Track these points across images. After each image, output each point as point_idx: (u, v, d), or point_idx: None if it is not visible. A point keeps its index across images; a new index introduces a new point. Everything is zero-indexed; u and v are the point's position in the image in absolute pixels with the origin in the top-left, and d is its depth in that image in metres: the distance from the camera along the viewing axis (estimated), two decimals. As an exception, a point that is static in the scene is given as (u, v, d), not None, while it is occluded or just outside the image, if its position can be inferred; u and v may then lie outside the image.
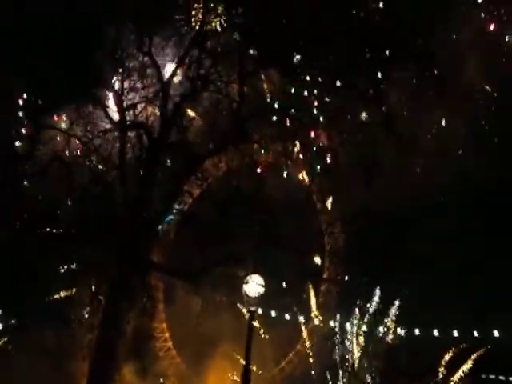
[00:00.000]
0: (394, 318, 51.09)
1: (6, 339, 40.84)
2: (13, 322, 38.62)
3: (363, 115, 35.21)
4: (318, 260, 40.17)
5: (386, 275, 49.14)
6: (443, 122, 36.69)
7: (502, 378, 56.34)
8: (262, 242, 36.49)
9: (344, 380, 51.48)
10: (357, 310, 51.80)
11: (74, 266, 33.76)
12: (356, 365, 51.30)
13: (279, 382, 53.63)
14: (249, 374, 31.91)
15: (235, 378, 46.45)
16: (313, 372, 52.09)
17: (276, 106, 35.43)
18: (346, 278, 49.63)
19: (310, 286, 49.36)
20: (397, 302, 51.69)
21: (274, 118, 35.45)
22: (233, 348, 46.60)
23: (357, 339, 51.20)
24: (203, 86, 34.62)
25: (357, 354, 51.36)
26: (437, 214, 48.22)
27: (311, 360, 52.25)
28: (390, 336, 51.72)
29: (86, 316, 36.35)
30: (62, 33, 33.24)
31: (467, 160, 38.57)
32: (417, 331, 52.61)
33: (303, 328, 52.20)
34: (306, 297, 50.08)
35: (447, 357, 52.94)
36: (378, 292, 50.69)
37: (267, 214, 37.13)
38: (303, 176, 39.93)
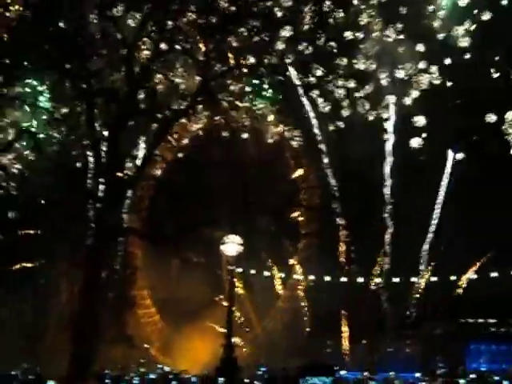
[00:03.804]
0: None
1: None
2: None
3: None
4: None
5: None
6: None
7: (480, 320, 57.59)
8: (238, 207, 36.53)
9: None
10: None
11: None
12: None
13: (262, 339, 54.20)
14: (232, 332, 32.15)
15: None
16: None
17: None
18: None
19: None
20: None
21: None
22: (214, 309, 46.95)
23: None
24: (168, 47, 34.05)
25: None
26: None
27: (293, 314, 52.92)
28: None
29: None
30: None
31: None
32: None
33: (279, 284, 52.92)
34: (285, 254, 50.42)
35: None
36: None
37: (241, 175, 37.03)
38: (275, 133, 39.78)
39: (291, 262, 51.47)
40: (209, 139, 38.40)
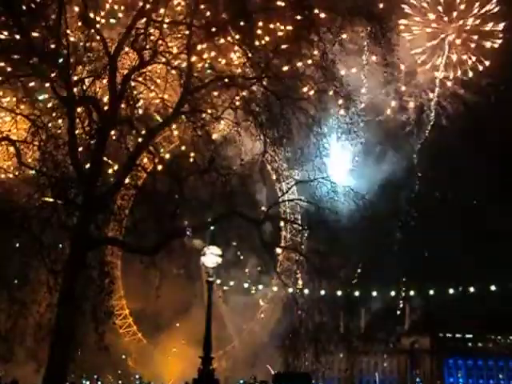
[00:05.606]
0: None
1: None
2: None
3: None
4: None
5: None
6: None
7: (458, 335, 57.96)
8: (219, 215, 36.45)
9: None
10: None
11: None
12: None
13: (241, 350, 54.13)
14: (210, 344, 32.05)
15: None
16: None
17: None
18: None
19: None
20: None
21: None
22: (193, 320, 46.70)
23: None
24: (151, 57, 34.07)
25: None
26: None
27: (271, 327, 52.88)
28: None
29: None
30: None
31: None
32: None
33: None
34: (264, 266, 50.24)
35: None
36: None
37: (222, 185, 36.97)
38: (257, 145, 39.76)
39: (270, 274, 51.42)
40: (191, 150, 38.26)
